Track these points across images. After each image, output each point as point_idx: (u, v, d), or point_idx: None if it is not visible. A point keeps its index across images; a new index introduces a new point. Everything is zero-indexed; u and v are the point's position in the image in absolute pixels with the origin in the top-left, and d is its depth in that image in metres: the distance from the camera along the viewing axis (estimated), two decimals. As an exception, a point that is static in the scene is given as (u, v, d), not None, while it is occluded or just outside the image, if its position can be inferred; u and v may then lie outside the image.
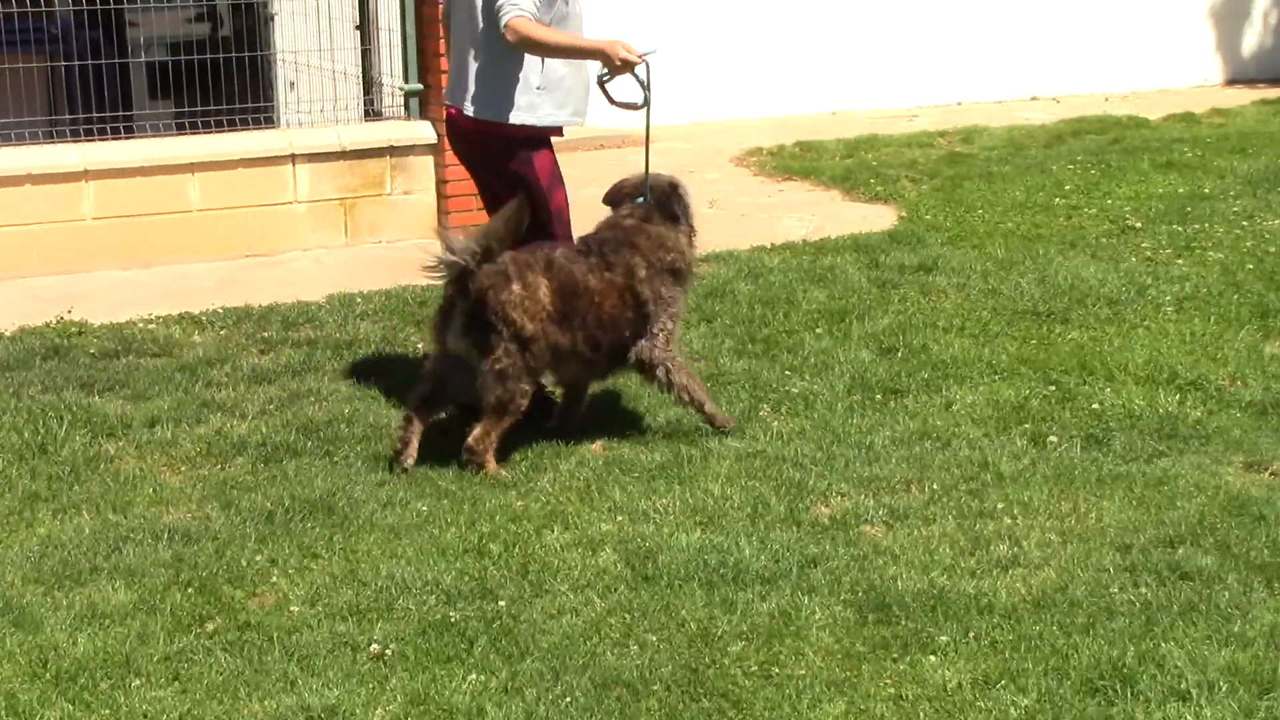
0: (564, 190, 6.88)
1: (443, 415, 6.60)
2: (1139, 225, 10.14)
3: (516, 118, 6.68)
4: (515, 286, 6.18)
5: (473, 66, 6.71)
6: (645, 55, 6.49)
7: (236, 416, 6.95)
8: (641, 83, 6.54)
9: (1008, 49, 15.54)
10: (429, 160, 10.14)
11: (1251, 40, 16.89)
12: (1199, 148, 12.66)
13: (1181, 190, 11.14)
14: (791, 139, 13.13)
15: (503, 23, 6.42)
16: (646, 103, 6.62)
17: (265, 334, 8.14)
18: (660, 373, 6.58)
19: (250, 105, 10.27)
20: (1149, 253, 9.49)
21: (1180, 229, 10.01)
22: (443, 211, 10.13)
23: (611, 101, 6.71)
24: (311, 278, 9.30)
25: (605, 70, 6.57)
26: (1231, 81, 16.65)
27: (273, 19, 11.90)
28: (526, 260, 6.28)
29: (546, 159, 6.79)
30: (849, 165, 12.22)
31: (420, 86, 10.19)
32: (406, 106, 10.27)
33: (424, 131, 10.14)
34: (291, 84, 11.60)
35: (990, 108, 15.08)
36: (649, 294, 6.53)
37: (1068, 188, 11.26)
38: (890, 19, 15.12)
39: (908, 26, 15.12)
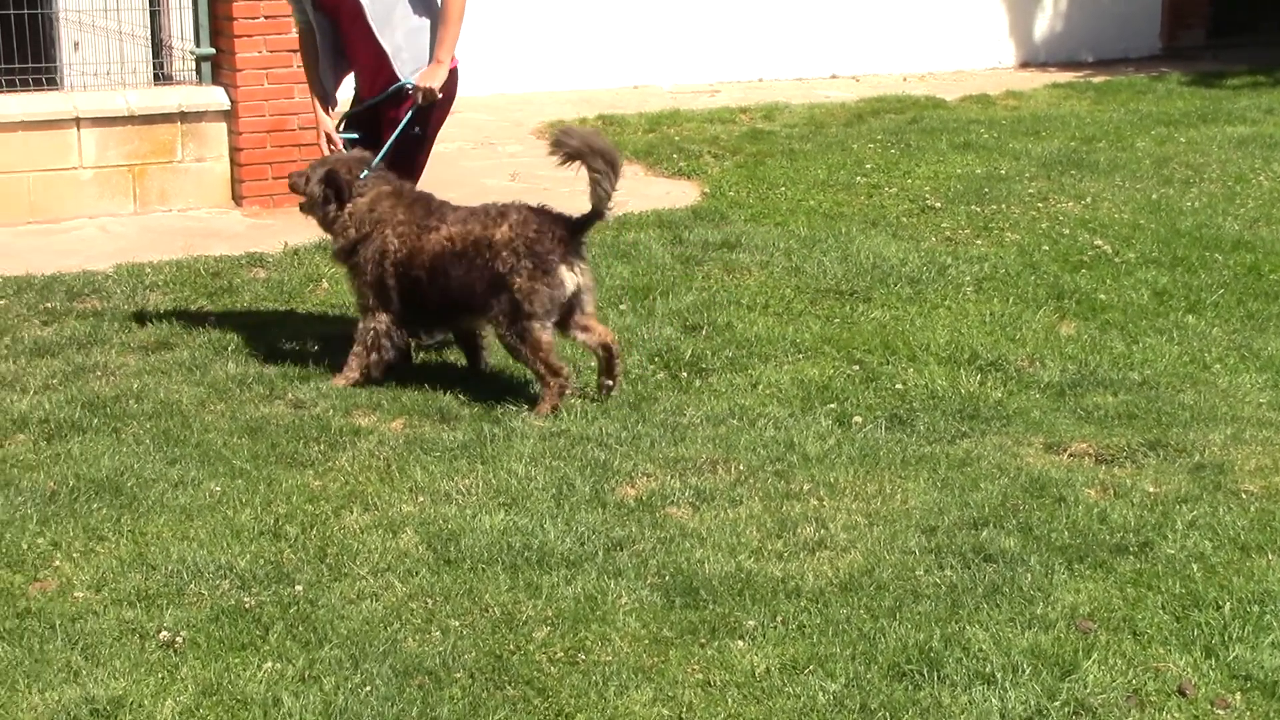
0: None
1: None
2: (938, 205, 10.24)
3: None
4: None
5: None
6: (343, 137, 7.19)
7: (17, 391, 6.65)
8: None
9: (809, 26, 15.60)
10: (222, 127, 9.83)
11: (1043, 24, 17.20)
12: (995, 129, 12.83)
13: (979, 171, 11.27)
14: (594, 113, 13.04)
15: None
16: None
17: (48, 305, 7.81)
18: None
19: (31, 65, 9.85)
20: (948, 232, 9.58)
21: (978, 209, 10.13)
22: (237, 180, 9.84)
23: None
24: (98, 247, 8.96)
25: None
26: (1024, 65, 16.94)
27: (55, -24, 11.45)
28: None
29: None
30: (651, 140, 12.16)
31: (212, 51, 9.87)
32: (198, 71, 9.93)
33: (217, 97, 9.82)
34: (76, 45, 11.18)
35: (791, 85, 15.14)
36: None
37: (868, 166, 11.33)
38: (693, -6, 15.11)
39: (710, 2, 15.11)
